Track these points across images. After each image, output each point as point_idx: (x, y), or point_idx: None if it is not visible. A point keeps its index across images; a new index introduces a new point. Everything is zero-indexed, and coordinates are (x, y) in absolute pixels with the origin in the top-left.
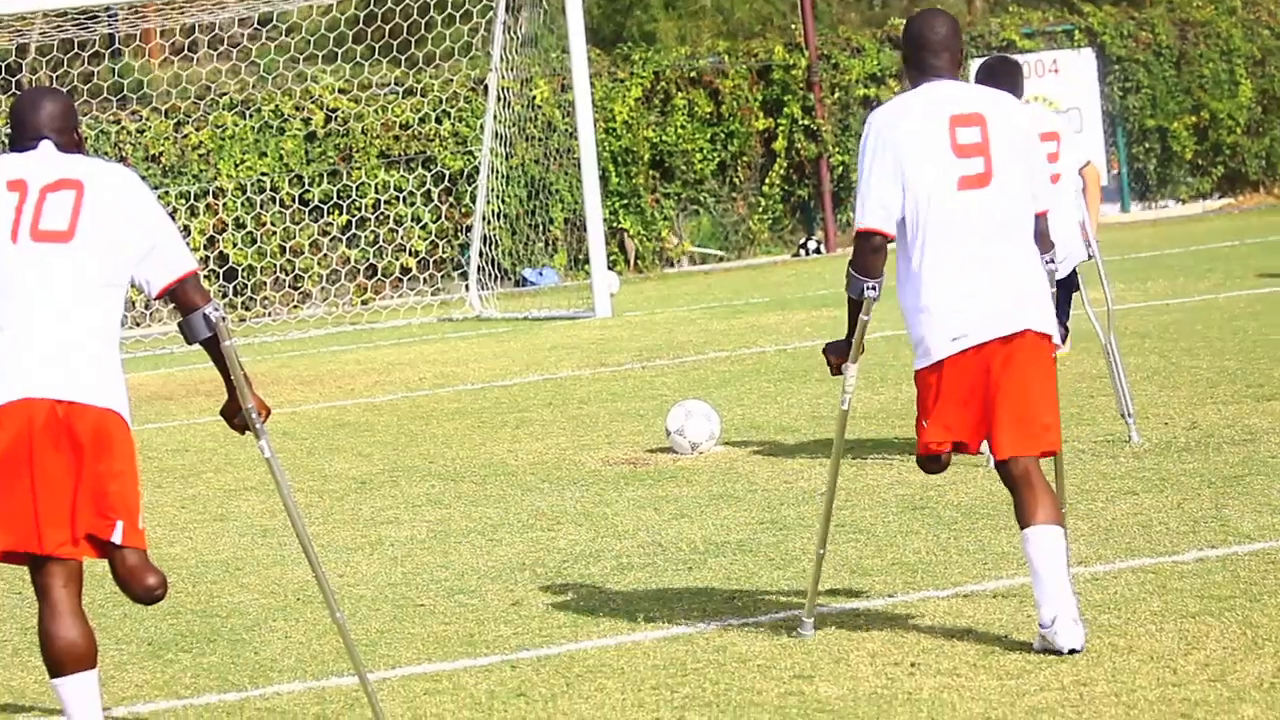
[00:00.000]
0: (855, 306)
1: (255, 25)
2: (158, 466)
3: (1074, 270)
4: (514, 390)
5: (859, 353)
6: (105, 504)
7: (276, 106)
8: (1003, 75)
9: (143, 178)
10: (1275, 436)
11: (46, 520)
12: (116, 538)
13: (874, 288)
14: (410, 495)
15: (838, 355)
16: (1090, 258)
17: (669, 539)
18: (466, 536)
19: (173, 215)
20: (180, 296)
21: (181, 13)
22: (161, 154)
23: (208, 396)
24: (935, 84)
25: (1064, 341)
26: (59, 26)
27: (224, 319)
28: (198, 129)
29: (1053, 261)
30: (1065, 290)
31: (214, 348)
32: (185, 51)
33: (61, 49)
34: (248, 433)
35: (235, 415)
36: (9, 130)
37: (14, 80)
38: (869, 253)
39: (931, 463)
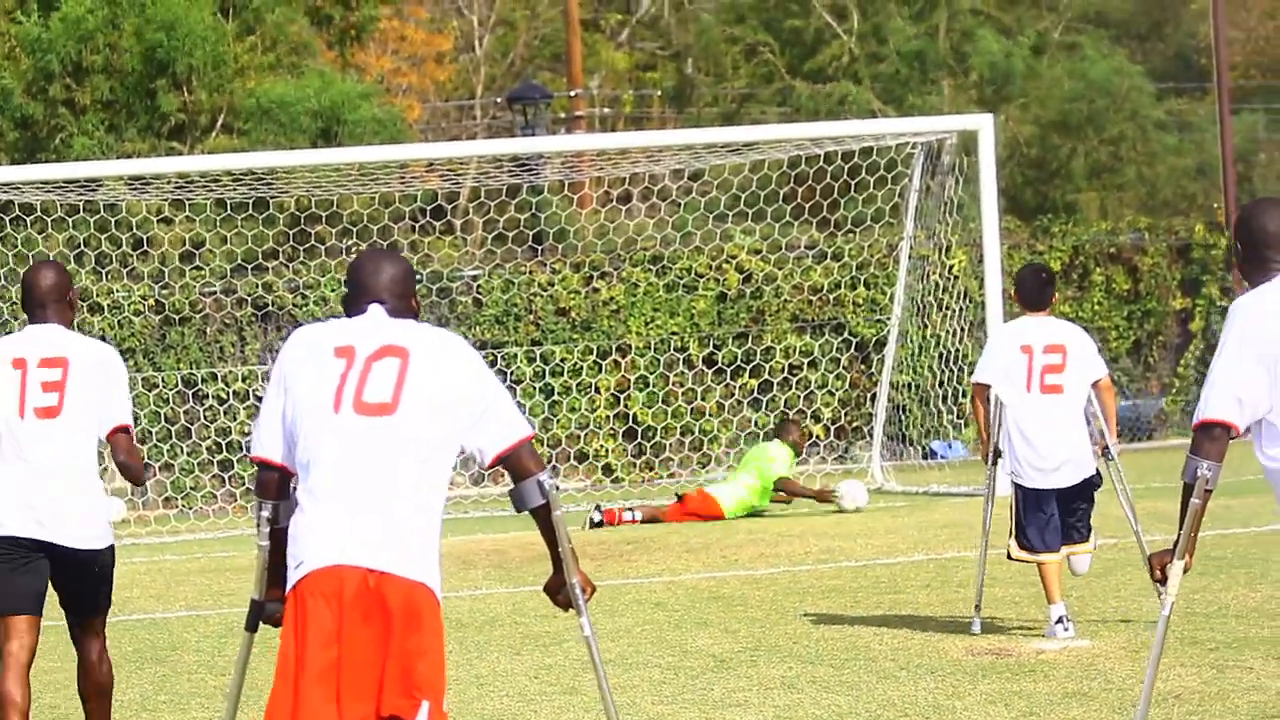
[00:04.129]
0: (1188, 491)
1: (687, 179)
2: (523, 632)
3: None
4: (895, 569)
5: (1188, 548)
6: (411, 682)
7: (690, 265)
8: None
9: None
10: None
11: (349, 694)
12: (421, 718)
13: (1210, 469)
14: (765, 677)
15: (1160, 558)
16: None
17: None
18: None
19: (578, 370)
20: (514, 463)
21: (615, 165)
22: (571, 308)
23: (590, 560)
24: None
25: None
26: (491, 174)
27: (556, 488)
28: (610, 284)
29: None
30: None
31: (545, 517)
32: (615, 203)
33: (491, 195)
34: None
35: (559, 590)
36: (345, 291)
37: (441, 223)
38: (1208, 441)
39: None
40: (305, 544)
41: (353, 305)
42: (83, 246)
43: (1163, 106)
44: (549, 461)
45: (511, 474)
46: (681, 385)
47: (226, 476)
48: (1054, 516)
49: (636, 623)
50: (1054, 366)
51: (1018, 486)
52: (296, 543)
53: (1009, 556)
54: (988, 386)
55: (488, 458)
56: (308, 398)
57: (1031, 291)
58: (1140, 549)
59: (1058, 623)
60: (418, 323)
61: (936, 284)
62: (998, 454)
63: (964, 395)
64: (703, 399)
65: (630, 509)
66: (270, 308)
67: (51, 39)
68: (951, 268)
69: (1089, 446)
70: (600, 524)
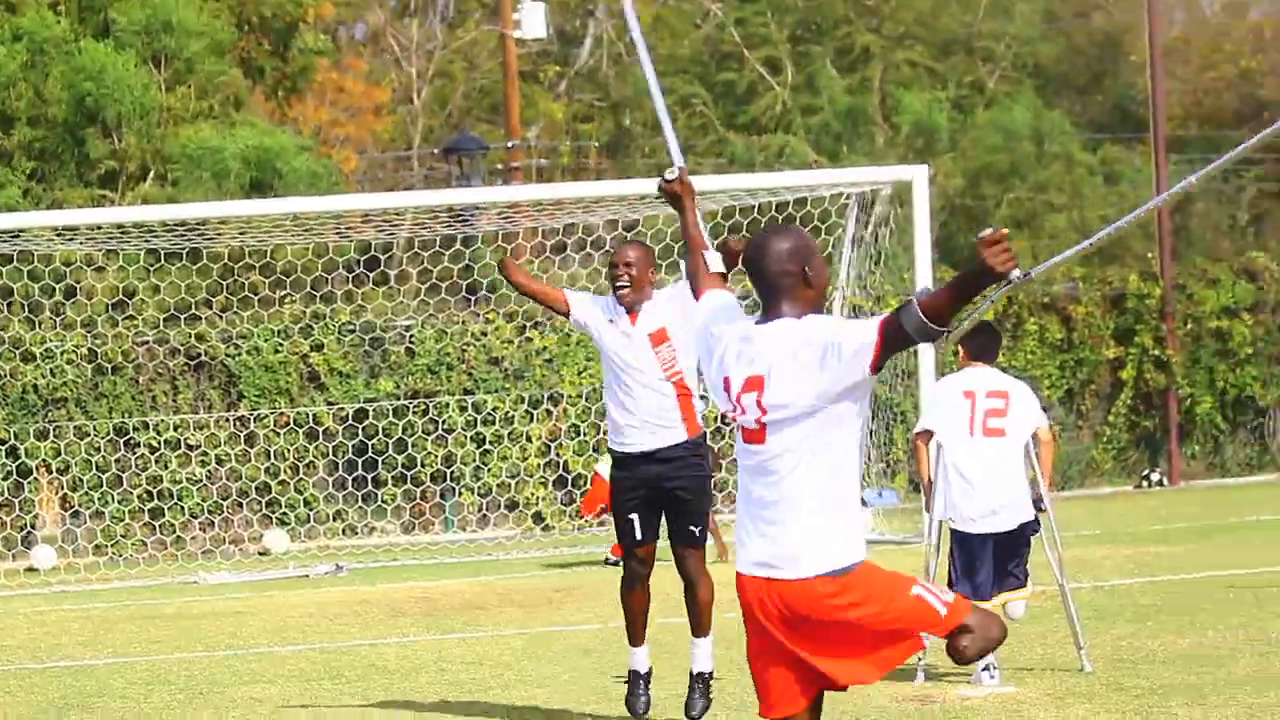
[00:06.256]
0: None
1: (622, 229)
2: (448, 680)
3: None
4: None
5: None
6: (887, 639)
7: None
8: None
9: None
10: None
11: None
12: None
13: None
14: None
15: None
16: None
17: None
18: None
19: (510, 419)
20: (894, 333)
21: (551, 216)
22: (504, 358)
23: (519, 607)
24: None
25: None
26: (427, 225)
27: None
28: (543, 334)
29: None
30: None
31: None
32: (550, 253)
33: (425, 246)
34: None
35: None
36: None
37: (376, 274)
38: None
39: None
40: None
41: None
42: (14, 295)
43: (1098, 156)
44: (479, 510)
45: (903, 340)
46: None
47: (157, 525)
48: (987, 564)
49: (564, 670)
50: (997, 411)
51: (954, 532)
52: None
53: None
54: (931, 434)
55: (869, 367)
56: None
57: (978, 344)
58: (1064, 598)
59: (984, 670)
60: (784, 321)
61: None
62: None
63: (893, 444)
64: None
65: None
66: (203, 357)
67: None
68: None
69: (1027, 492)
70: (618, 562)
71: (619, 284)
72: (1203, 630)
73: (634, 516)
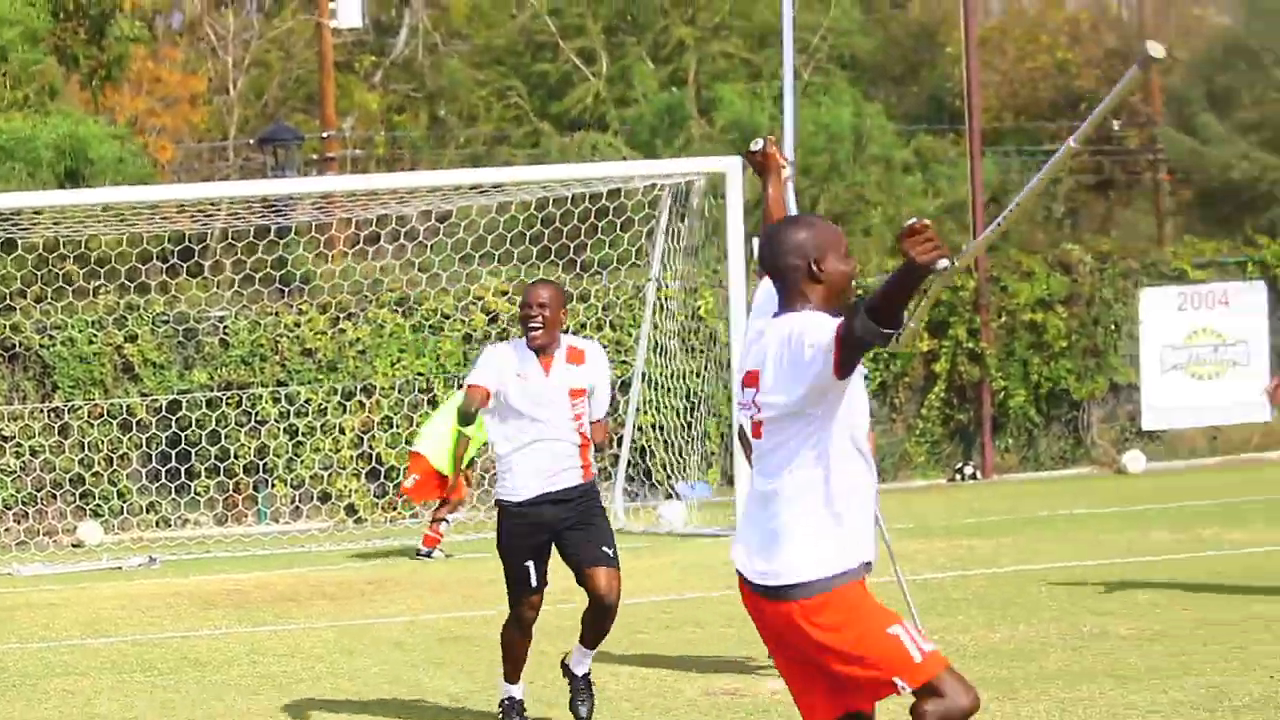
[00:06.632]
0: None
1: (435, 220)
2: (260, 672)
3: None
4: (636, 609)
5: None
6: (854, 683)
7: (437, 306)
8: None
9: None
10: None
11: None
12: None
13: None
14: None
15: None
16: None
17: None
18: None
19: (323, 411)
20: (848, 338)
21: (365, 207)
22: (317, 349)
23: (331, 600)
24: None
25: None
26: (242, 215)
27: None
28: (356, 325)
29: None
30: None
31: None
32: (364, 244)
33: (239, 237)
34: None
35: None
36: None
37: (190, 264)
38: None
39: None
40: None
41: None
42: None
43: (911, 147)
44: (292, 502)
45: (849, 342)
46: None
47: None
48: None
49: (374, 663)
50: None
51: None
52: None
53: None
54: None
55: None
56: None
57: None
58: (900, 588)
59: None
60: (787, 316)
61: (683, 325)
62: None
63: (709, 436)
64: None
65: (435, 521)
66: (18, 349)
67: None
68: (698, 310)
69: None
70: (429, 554)
71: (531, 325)
72: (1015, 624)
73: (529, 564)
